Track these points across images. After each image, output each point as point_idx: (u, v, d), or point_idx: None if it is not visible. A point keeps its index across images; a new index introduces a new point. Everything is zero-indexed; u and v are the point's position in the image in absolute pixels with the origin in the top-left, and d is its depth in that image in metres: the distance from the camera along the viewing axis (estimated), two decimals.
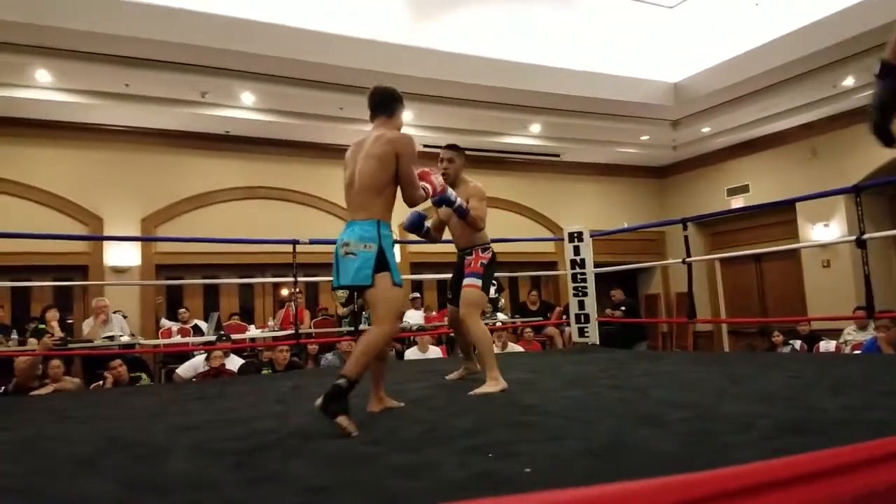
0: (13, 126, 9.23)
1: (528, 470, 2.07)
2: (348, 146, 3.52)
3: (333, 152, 10.35)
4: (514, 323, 9.71)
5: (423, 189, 3.53)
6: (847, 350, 8.15)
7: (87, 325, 8.26)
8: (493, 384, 3.95)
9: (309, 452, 2.53)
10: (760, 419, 2.62)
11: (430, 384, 4.62)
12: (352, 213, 3.33)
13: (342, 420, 2.85)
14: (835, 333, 8.90)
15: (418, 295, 10.64)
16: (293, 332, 7.23)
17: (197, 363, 7.35)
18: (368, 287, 3.19)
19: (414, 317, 9.91)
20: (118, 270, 9.72)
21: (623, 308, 10.09)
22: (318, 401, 2.89)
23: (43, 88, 8.51)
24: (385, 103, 3.52)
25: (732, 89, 10.32)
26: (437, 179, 3.79)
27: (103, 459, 2.58)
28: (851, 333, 8.53)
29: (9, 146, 9.28)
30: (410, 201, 3.41)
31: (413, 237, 4.88)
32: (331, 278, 3.44)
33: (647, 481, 0.72)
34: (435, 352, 8.13)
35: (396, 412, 3.41)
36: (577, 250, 7.59)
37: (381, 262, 3.19)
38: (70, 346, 7.30)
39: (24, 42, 7.58)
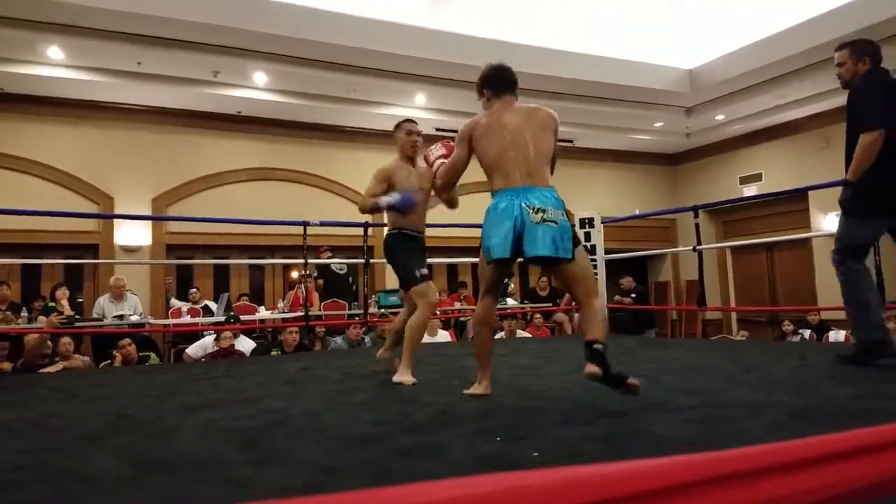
0: (24, 103, 9.22)
1: (535, 454, 2.07)
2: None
3: (344, 134, 10.37)
4: (523, 308, 9.69)
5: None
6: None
7: (103, 301, 8.23)
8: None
9: (317, 433, 2.53)
10: (770, 407, 2.61)
11: (440, 367, 4.64)
12: (530, 178, 3.11)
13: (632, 380, 2.81)
14: (844, 324, 8.86)
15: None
16: (303, 314, 7.23)
17: (206, 343, 7.38)
18: (567, 260, 3.00)
19: None
20: (128, 250, 9.75)
21: (633, 295, 10.05)
22: (590, 369, 2.80)
23: (55, 66, 8.49)
24: (515, 83, 3.58)
25: (747, 77, 10.25)
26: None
27: (112, 437, 2.60)
28: None
29: (19, 123, 9.28)
30: (553, 172, 3.28)
31: None
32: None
33: (653, 460, 0.71)
34: (444, 335, 8.13)
35: (406, 394, 3.44)
36: (587, 236, 7.58)
37: (574, 234, 3.06)
38: (78, 324, 7.30)
39: (35, 18, 7.56)
